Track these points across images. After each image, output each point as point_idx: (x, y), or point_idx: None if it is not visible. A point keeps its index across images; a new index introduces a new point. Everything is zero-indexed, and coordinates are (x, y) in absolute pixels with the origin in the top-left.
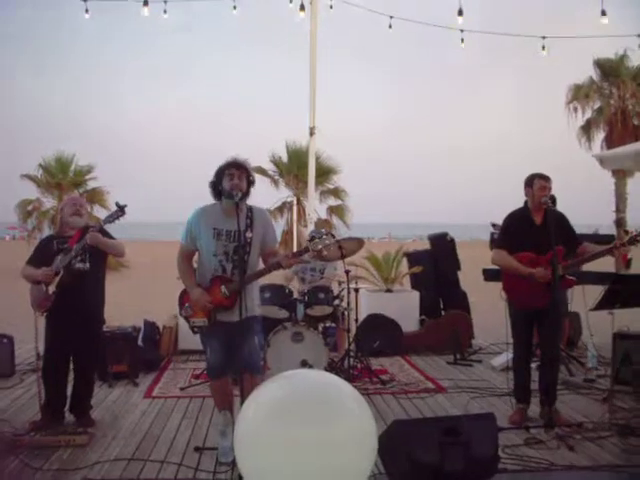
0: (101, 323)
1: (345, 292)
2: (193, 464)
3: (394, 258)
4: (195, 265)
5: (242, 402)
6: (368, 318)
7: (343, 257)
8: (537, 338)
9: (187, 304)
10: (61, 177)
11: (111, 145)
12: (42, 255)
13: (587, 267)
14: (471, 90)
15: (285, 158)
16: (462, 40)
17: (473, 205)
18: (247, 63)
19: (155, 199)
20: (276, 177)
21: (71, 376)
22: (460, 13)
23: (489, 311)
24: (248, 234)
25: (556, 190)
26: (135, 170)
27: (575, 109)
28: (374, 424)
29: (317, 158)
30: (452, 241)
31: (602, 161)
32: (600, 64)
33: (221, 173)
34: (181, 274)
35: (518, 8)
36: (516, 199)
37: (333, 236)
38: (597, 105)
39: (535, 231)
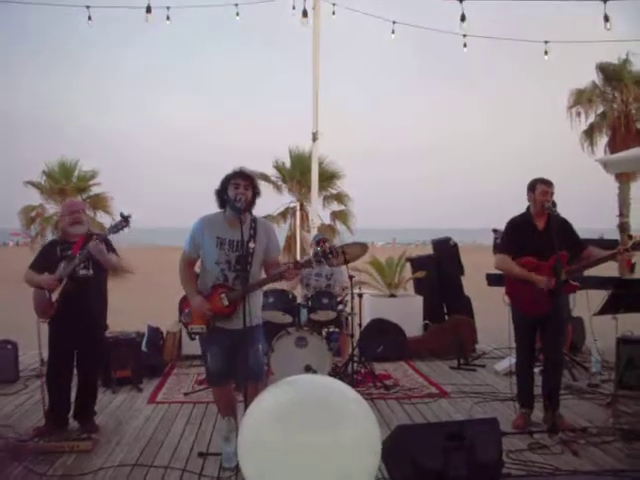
0: (104, 328)
1: (349, 297)
2: (197, 469)
3: (397, 263)
4: (197, 271)
5: (246, 409)
6: (372, 323)
7: (347, 262)
8: (540, 343)
9: (187, 310)
10: (65, 183)
11: (117, 150)
12: (45, 260)
13: (590, 272)
14: (477, 97)
15: (288, 163)
16: (465, 45)
17: (475, 210)
18: (250, 69)
19: (159, 205)
20: (279, 183)
21: (75, 382)
22: (463, 18)
23: (492, 316)
24: (251, 244)
25: (564, 195)
26: (136, 177)
27: (578, 114)
28: (378, 429)
29: (320, 163)
30: (455, 246)
31: (606, 165)
32: (603, 68)
33: (227, 182)
34: (182, 281)
35: (521, 13)
36: (520, 203)
37: (336, 252)
38: (600, 110)
39: (537, 236)
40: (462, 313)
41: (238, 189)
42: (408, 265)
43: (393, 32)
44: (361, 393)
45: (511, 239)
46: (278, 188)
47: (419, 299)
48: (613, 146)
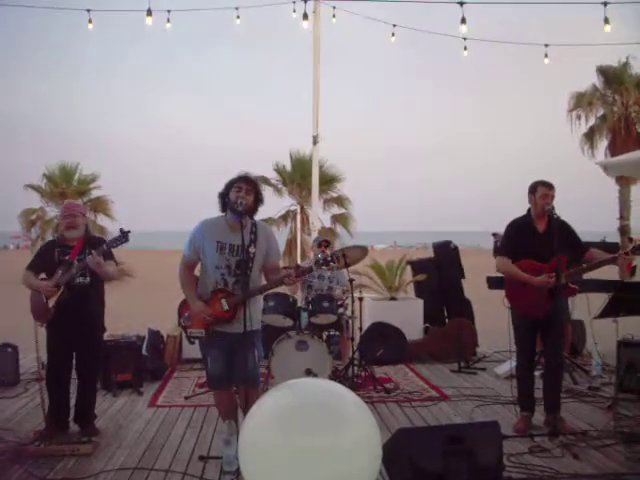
0: (102, 331)
1: (349, 300)
2: (198, 473)
3: (398, 266)
4: (197, 273)
5: (245, 413)
6: (372, 326)
7: (347, 265)
8: (540, 346)
9: (186, 314)
10: (65, 186)
11: (117, 151)
12: (42, 261)
13: (591, 274)
14: (478, 99)
15: (289, 166)
16: (465, 48)
17: (476, 212)
18: (250, 71)
19: (159, 208)
20: (280, 186)
21: (74, 386)
22: (463, 21)
23: (493, 319)
24: (251, 249)
25: (565, 198)
26: (135, 178)
27: (578, 117)
28: (378, 432)
29: (320, 166)
30: (456, 249)
31: (606, 168)
32: (603, 71)
33: (230, 185)
34: (182, 285)
35: (521, 16)
36: (521, 206)
37: (337, 259)
38: (600, 112)
39: (538, 239)
40: (463, 316)
41: (240, 192)
42: (409, 268)
43: (393, 35)
44: (361, 396)
45: (511, 241)
46: (279, 191)
47: (419, 302)
48: (613, 149)
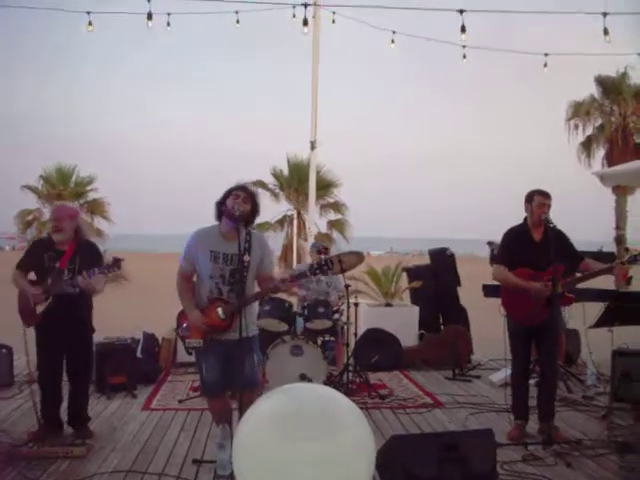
0: (91, 332)
1: (345, 306)
2: (191, 477)
3: (394, 272)
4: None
5: (240, 418)
6: (367, 332)
7: (343, 271)
8: (535, 354)
9: (185, 324)
10: (62, 188)
11: (116, 153)
12: (32, 261)
13: (587, 284)
14: (476, 107)
15: (286, 171)
16: (464, 56)
17: (471, 220)
18: (249, 75)
19: (157, 212)
20: (277, 190)
21: (66, 389)
22: (463, 29)
23: (488, 327)
24: (246, 257)
25: (562, 207)
26: (135, 179)
27: (576, 126)
28: (372, 439)
29: (318, 172)
30: (452, 256)
31: (603, 178)
32: (601, 81)
33: (228, 194)
34: (180, 295)
35: (521, 25)
36: (517, 215)
37: (332, 264)
38: (598, 122)
39: (534, 248)
40: (458, 323)
41: (237, 199)
42: (404, 275)
43: (393, 42)
44: (356, 402)
45: (508, 250)
46: (275, 196)
47: (415, 309)
48: (610, 159)
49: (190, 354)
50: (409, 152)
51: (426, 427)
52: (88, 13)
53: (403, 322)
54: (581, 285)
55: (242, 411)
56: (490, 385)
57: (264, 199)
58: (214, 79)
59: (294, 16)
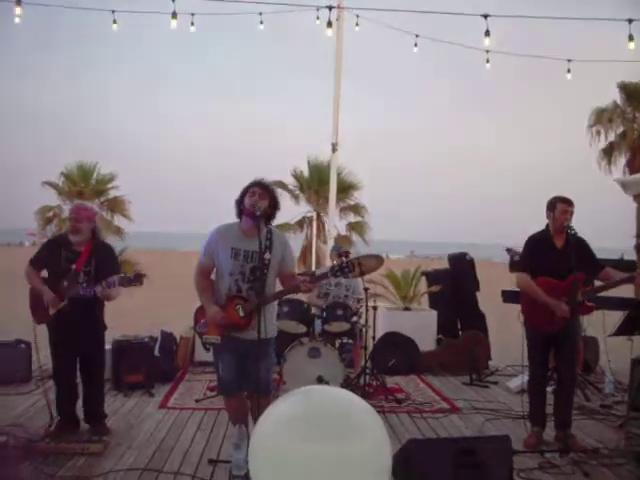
0: (103, 328)
1: (363, 309)
2: (206, 476)
3: (413, 276)
4: (213, 277)
5: (255, 420)
6: (385, 336)
7: (362, 274)
8: (553, 362)
9: (203, 321)
10: (83, 185)
11: (135, 154)
12: (47, 260)
13: (606, 292)
14: (499, 113)
15: (306, 173)
16: (487, 60)
17: (487, 225)
18: (271, 75)
19: (175, 210)
20: (297, 192)
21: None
22: (487, 34)
23: (506, 333)
24: (267, 255)
25: (582, 212)
26: (157, 180)
27: (598, 132)
28: (389, 442)
29: (338, 174)
30: (471, 261)
31: (624, 186)
32: (624, 87)
33: (245, 191)
34: (198, 290)
35: (544, 31)
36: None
37: (353, 266)
38: (620, 129)
39: (556, 254)
40: (476, 329)
41: (253, 197)
42: (423, 279)
43: (416, 45)
44: (372, 406)
45: (530, 256)
46: (295, 197)
47: (433, 313)
48: (632, 166)
49: (208, 350)
50: (435, 153)
51: (442, 432)
52: (113, 12)
53: (421, 326)
54: (601, 293)
55: (255, 415)
56: (507, 391)
57: (284, 200)
58: (234, 77)
59: (318, 18)
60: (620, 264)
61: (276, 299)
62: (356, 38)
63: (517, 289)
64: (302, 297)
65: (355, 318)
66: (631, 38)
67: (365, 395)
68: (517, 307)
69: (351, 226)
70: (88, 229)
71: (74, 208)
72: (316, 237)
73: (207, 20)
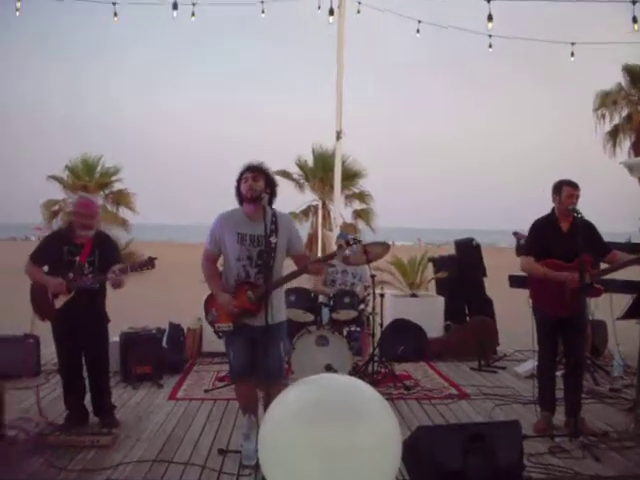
0: (106, 320)
1: (370, 297)
2: (217, 467)
3: (419, 263)
4: (221, 268)
5: (266, 408)
6: (393, 323)
7: (369, 261)
8: (562, 346)
9: (213, 309)
10: (87, 179)
11: (139, 145)
12: (48, 255)
13: (614, 275)
14: (502, 96)
15: (311, 161)
16: (490, 45)
17: (494, 211)
18: (273, 65)
19: (179, 201)
20: (301, 181)
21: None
22: (490, 18)
23: (514, 318)
24: (273, 239)
25: (589, 195)
26: (159, 172)
27: (603, 115)
28: (398, 429)
29: (343, 162)
30: (478, 247)
31: (631, 169)
32: (629, 70)
33: (240, 180)
34: (207, 278)
35: (547, 14)
36: (542, 204)
37: (360, 241)
38: (625, 112)
39: (562, 238)
40: (484, 314)
41: (247, 182)
42: (430, 265)
43: (418, 31)
44: (381, 393)
45: (535, 240)
46: (300, 186)
47: (441, 300)
48: (638, 149)
49: (220, 338)
50: (438, 139)
51: (452, 418)
52: (114, 4)
53: (428, 313)
54: (608, 276)
55: (266, 403)
56: (516, 376)
57: (288, 189)
58: (235, 67)
59: (319, 7)
60: (627, 247)
61: (285, 282)
62: (358, 24)
63: (524, 274)
64: (309, 285)
65: (362, 306)
66: (635, 20)
67: (374, 383)
68: (524, 292)
69: (357, 213)
70: (97, 224)
71: (83, 203)
72: (322, 225)
73: (208, 10)
